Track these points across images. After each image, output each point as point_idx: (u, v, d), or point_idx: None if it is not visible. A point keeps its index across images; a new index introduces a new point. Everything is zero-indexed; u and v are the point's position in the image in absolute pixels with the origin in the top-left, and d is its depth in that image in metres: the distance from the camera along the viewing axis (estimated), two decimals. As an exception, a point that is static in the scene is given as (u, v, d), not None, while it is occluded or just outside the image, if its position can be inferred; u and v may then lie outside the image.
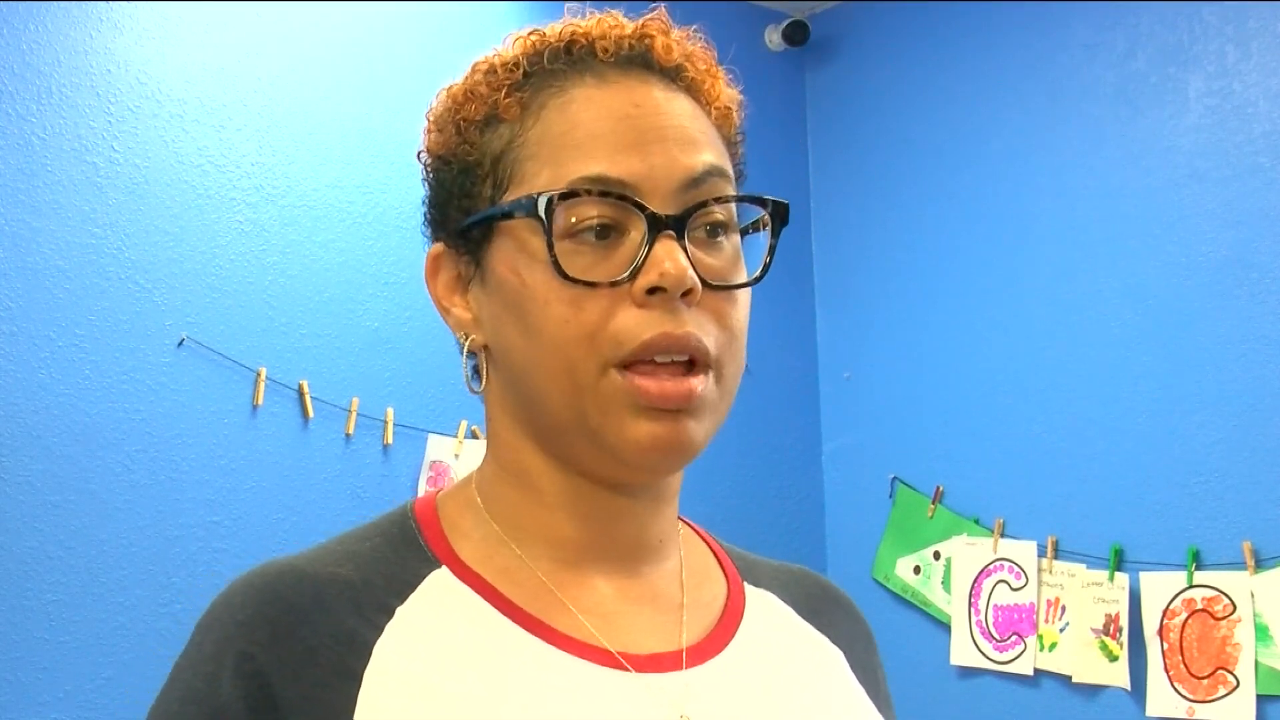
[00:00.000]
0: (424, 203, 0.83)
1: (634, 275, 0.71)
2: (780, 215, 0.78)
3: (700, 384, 0.72)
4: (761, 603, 0.85)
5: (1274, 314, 2.36)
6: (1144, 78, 2.59)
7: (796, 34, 3.12)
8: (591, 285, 0.72)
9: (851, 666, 0.85)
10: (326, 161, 2.45)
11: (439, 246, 0.81)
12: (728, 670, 0.78)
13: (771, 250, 0.77)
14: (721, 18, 3.12)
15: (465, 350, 0.79)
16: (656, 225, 0.72)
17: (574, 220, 0.72)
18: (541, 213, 0.71)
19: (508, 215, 0.74)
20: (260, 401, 2.30)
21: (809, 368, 3.18)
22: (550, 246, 0.71)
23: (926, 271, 2.97)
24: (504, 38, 0.81)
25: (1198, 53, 2.51)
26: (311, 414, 2.36)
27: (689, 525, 0.88)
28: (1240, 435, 2.37)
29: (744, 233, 0.78)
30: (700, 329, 0.73)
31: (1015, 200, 2.81)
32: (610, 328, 0.71)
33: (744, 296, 0.77)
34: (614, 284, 0.72)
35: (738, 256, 0.77)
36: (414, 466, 2.46)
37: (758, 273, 0.77)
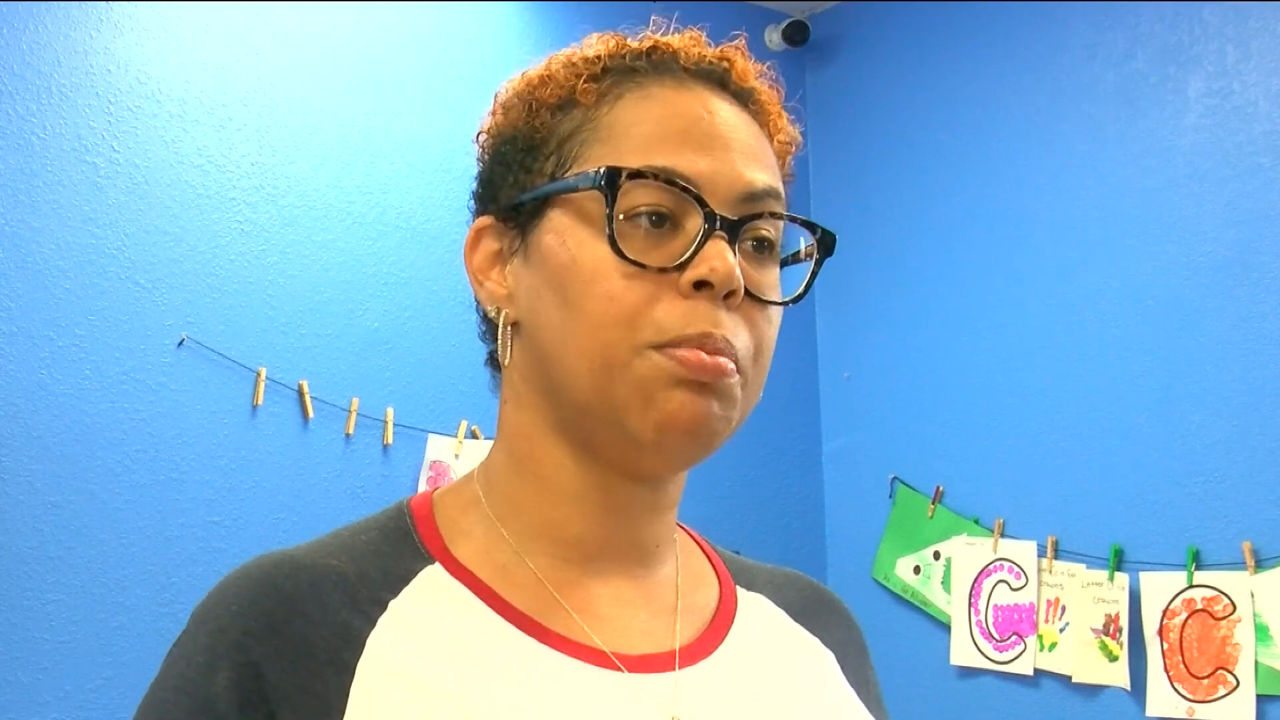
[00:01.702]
0: (475, 179, 0.83)
1: (683, 267, 0.73)
2: (826, 244, 0.80)
3: (731, 364, 0.73)
4: (753, 605, 0.86)
5: (1274, 314, 2.36)
6: (1144, 78, 2.59)
7: (796, 34, 3.12)
8: (641, 267, 0.72)
9: (843, 669, 0.86)
10: (326, 161, 2.45)
11: (485, 219, 0.81)
12: (719, 671, 0.78)
13: (813, 276, 0.79)
14: (721, 18, 3.12)
15: (501, 324, 0.79)
16: (713, 223, 0.73)
17: (634, 203, 0.73)
18: (605, 185, 0.72)
19: (571, 188, 0.75)
20: (260, 401, 2.30)
21: (809, 368, 3.18)
22: (610, 220, 0.72)
23: (926, 271, 2.97)
24: (583, 38, 0.82)
25: (1198, 53, 2.51)
26: (311, 414, 2.36)
27: (685, 531, 0.88)
28: (1240, 435, 2.37)
29: (784, 263, 0.80)
30: (735, 335, 0.74)
31: (1015, 200, 2.81)
32: (652, 314, 0.72)
33: (776, 317, 0.78)
34: (663, 270, 0.73)
35: (777, 280, 0.79)
36: (414, 466, 2.46)
37: (798, 291, 0.79)
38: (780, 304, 0.78)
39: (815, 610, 0.89)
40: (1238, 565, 2.33)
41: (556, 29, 2.64)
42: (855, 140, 3.16)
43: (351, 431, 2.40)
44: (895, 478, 2.96)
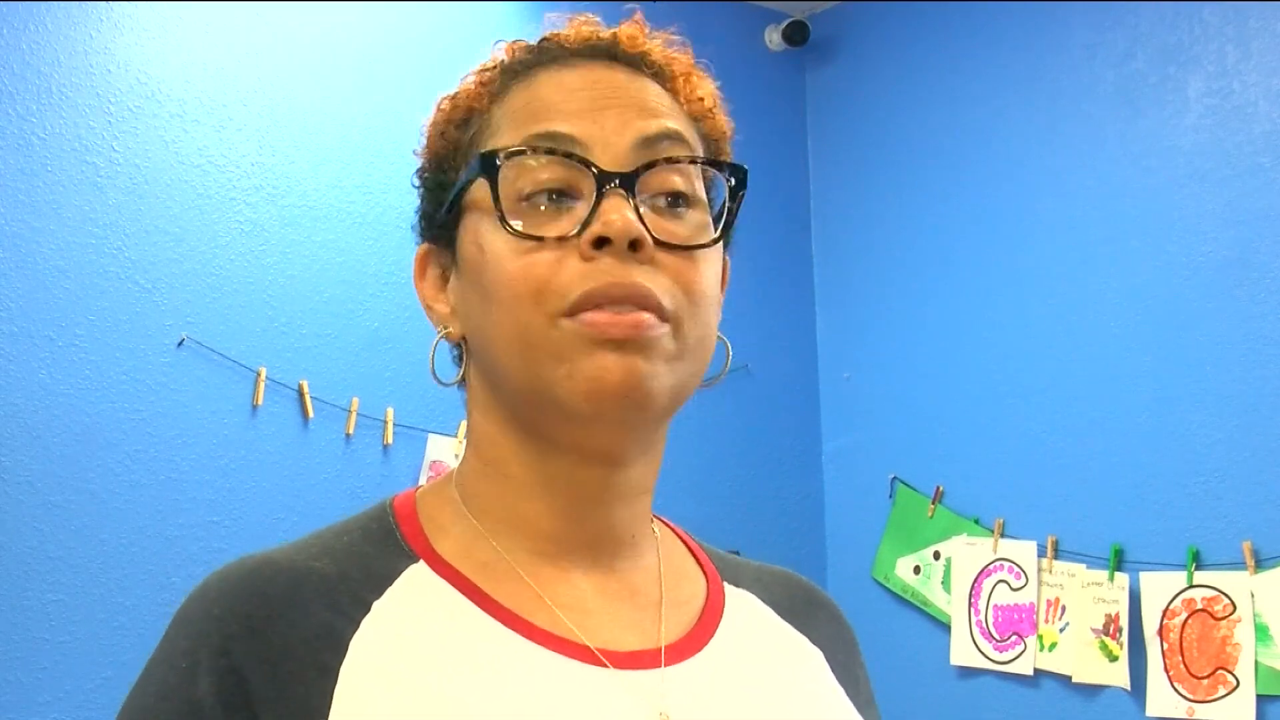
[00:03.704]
0: (416, 213, 0.85)
1: (581, 231, 0.72)
2: (739, 178, 0.78)
3: (649, 318, 0.71)
4: (741, 602, 0.85)
5: (1274, 314, 2.36)
6: (1144, 78, 2.59)
7: (796, 34, 3.12)
8: (539, 240, 0.72)
9: (831, 667, 0.85)
10: (326, 161, 2.45)
11: (425, 246, 0.83)
12: (707, 668, 0.78)
13: (730, 213, 0.77)
14: (721, 18, 3.13)
15: (457, 343, 0.80)
16: (604, 180, 0.72)
17: (528, 182, 0.73)
18: (484, 170, 0.73)
19: (463, 186, 0.76)
20: (260, 401, 2.30)
21: (809, 368, 3.18)
22: (496, 200, 0.72)
23: (926, 271, 2.97)
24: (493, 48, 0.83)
25: (1198, 53, 2.51)
26: (311, 414, 2.36)
27: (667, 525, 0.88)
28: (1240, 435, 2.37)
29: (717, 217, 0.78)
30: (653, 282, 0.72)
31: (1015, 200, 2.81)
32: (556, 280, 0.71)
33: (708, 264, 0.76)
34: (561, 239, 0.72)
35: (702, 229, 0.77)
36: (414, 466, 2.46)
37: (715, 234, 0.77)
38: (698, 247, 0.75)
39: (803, 608, 0.89)
40: (1238, 565, 2.33)
41: (556, 29, 2.64)
42: (855, 140, 3.16)
43: (351, 431, 2.40)
44: (895, 478, 2.96)
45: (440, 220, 0.79)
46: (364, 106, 2.51)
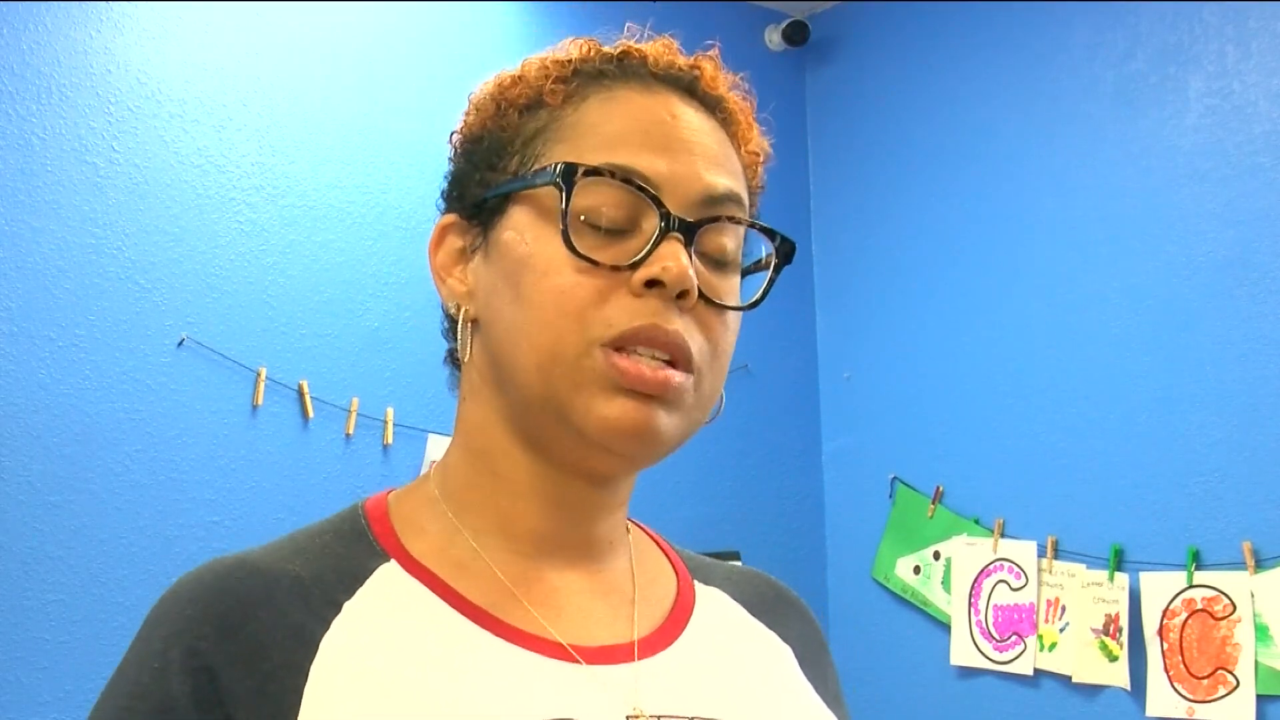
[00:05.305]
0: (446, 178, 0.84)
1: (636, 265, 0.73)
2: (785, 253, 0.80)
3: (678, 377, 0.74)
4: (711, 599, 0.87)
5: (1274, 314, 2.36)
6: (1144, 78, 2.59)
7: (796, 34, 3.12)
8: (594, 263, 0.73)
9: (801, 664, 0.87)
10: (326, 161, 2.45)
11: (451, 217, 0.82)
12: (678, 662, 0.79)
13: (770, 283, 0.79)
14: (721, 18, 3.14)
15: (460, 321, 0.80)
16: (669, 224, 0.73)
17: (592, 203, 0.74)
18: (561, 181, 0.73)
19: (530, 185, 0.76)
20: (260, 401, 2.30)
21: (809, 368, 3.18)
22: (565, 215, 0.73)
23: (926, 271, 2.97)
24: (561, 42, 0.83)
25: (1198, 53, 2.51)
26: (311, 414, 2.36)
27: (640, 527, 0.90)
28: (1240, 435, 2.37)
29: (745, 273, 0.80)
30: (688, 333, 0.74)
31: (1015, 200, 2.81)
32: (603, 310, 0.73)
33: (734, 323, 0.78)
34: (616, 268, 0.73)
35: (737, 290, 0.79)
36: (414, 466, 2.46)
37: (756, 297, 0.79)
38: (736, 309, 0.78)
39: (773, 606, 0.90)
40: (1238, 565, 2.33)
41: (557, 29, 2.64)
42: (855, 140, 3.16)
43: (351, 431, 2.40)
44: (895, 478, 2.96)
45: (480, 201, 0.79)
46: (364, 106, 2.51)
